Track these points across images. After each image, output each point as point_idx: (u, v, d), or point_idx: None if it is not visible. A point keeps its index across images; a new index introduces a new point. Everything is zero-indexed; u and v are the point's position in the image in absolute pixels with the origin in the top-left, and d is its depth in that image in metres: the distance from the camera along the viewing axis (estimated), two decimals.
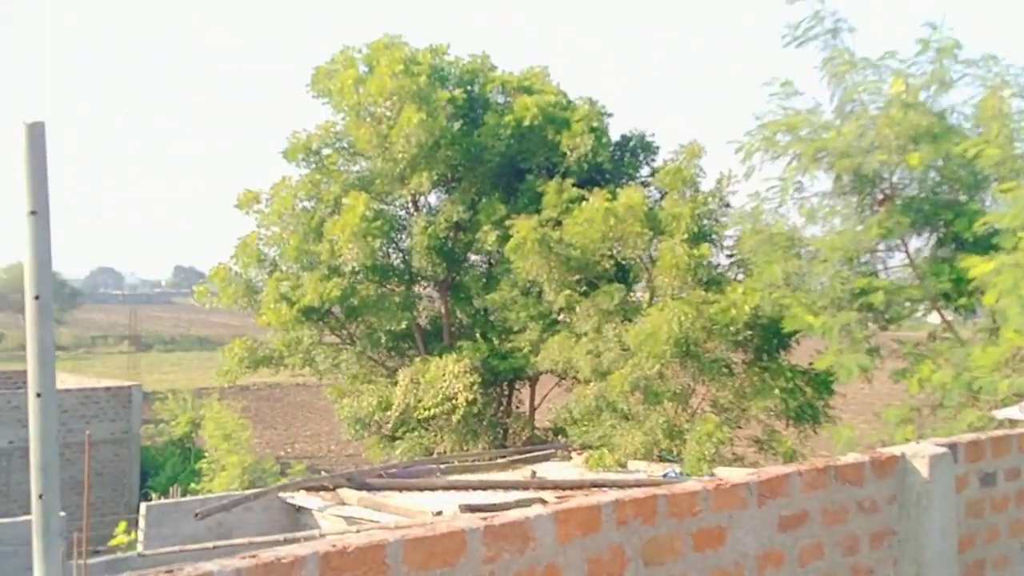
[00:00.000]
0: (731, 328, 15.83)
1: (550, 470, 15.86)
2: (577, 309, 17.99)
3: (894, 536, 5.61)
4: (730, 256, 18.04)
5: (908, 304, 13.43)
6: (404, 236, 23.13)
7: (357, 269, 21.39)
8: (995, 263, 11.08)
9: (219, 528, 12.73)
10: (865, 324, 13.19)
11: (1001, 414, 7.81)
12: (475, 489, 13.80)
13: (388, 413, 20.62)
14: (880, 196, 13.33)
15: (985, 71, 12.68)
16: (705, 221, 17.82)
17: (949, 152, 12.50)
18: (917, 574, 5.59)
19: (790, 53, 13.31)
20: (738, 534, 4.70)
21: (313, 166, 23.00)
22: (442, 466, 15.81)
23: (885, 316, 13.39)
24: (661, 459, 15.77)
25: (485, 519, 3.95)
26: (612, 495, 4.34)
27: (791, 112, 13.54)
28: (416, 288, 23.71)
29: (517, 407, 23.16)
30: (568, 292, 18.18)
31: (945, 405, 12.42)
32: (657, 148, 22.87)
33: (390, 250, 23.20)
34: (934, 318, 13.97)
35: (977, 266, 11.42)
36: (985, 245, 12.02)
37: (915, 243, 13.65)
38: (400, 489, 13.79)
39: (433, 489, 13.93)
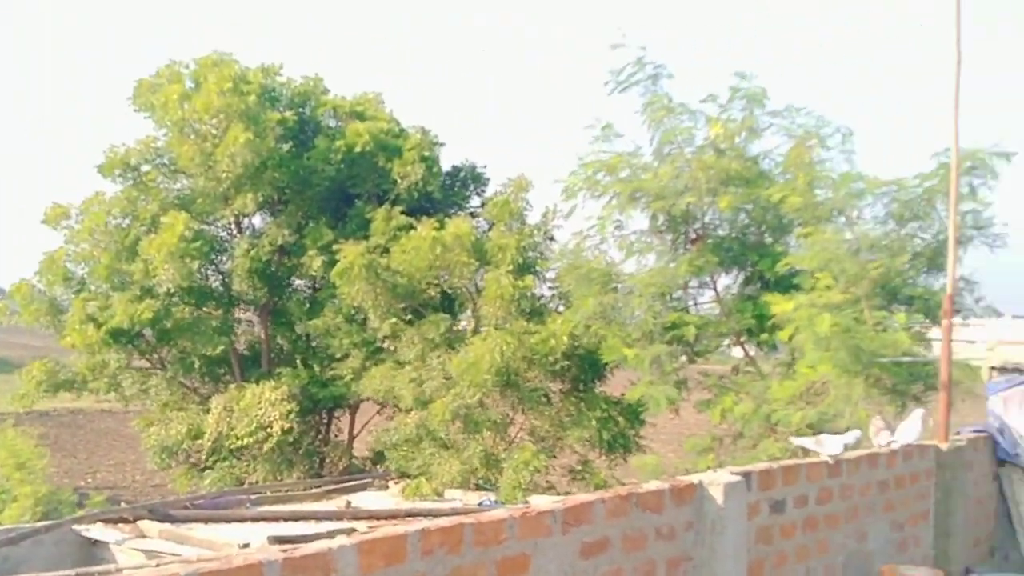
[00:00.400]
0: (550, 358, 16.17)
1: (366, 500, 15.63)
2: (402, 337, 17.91)
3: (690, 562, 5.84)
4: (552, 288, 18.46)
5: (715, 338, 14.12)
6: (225, 258, 22.42)
7: (172, 291, 20.53)
8: (793, 303, 11.83)
9: (4, 564, 11.80)
10: (675, 357, 13.78)
11: (797, 442, 8.29)
12: (287, 520, 13.42)
13: (199, 442, 19.80)
14: (693, 235, 14.00)
15: (788, 121, 13.59)
16: (530, 253, 18.17)
17: (757, 196, 13.29)
18: None
19: (615, 97, 13.85)
20: (541, 561, 4.78)
21: (130, 182, 21.97)
22: (253, 496, 15.30)
23: (694, 349, 14.02)
24: (478, 488, 15.86)
25: (285, 551, 3.85)
26: (418, 525, 4.33)
27: (612, 154, 14.06)
28: (235, 312, 22.98)
29: (336, 436, 22.76)
30: (393, 320, 18.09)
31: (745, 435, 13.12)
32: (487, 180, 23.15)
33: (209, 272, 22.44)
34: (739, 352, 14.72)
35: (778, 304, 12.16)
36: (787, 285, 12.82)
37: (724, 281, 14.42)
38: (206, 521, 13.23)
39: (242, 520, 13.45)
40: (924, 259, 12.39)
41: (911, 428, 8.56)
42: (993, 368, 10.59)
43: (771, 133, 13.79)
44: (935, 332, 10.62)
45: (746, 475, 6.42)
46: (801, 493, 7.03)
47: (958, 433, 10.03)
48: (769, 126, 13.74)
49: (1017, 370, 10.40)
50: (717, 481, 6.05)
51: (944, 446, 9.24)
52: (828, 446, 8.01)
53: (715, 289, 14.30)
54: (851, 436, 8.37)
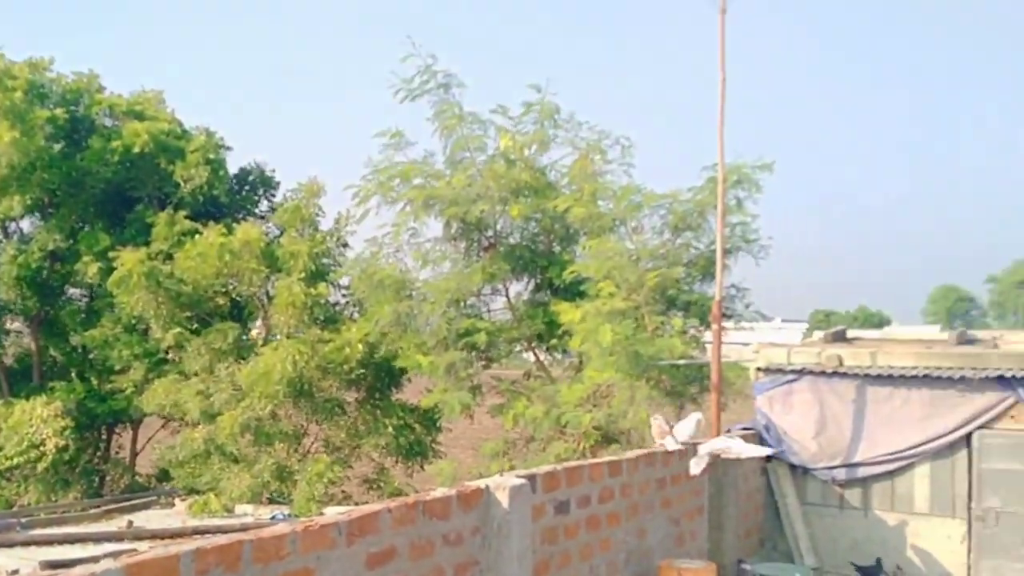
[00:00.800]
0: (345, 367, 15.97)
1: (151, 519, 14.83)
2: (188, 348, 17.15)
3: (477, 566, 5.94)
4: (346, 295, 18.24)
5: (507, 344, 14.43)
6: None
7: None
8: (580, 311, 12.29)
9: None
10: (470, 363, 13.96)
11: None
12: (62, 543, 12.54)
13: None
14: (485, 243, 14.25)
15: (573, 134, 14.09)
16: (323, 260, 17.87)
17: (546, 206, 13.69)
18: None
19: (407, 105, 13.89)
20: (326, 575, 4.71)
21: None
22: (23, 520, 14.19)
23: (487, 355, 14.27)
24: (271, 502, 15.43)
25: None
26: (192, 544, 4.17)
27: (405, 161, 14.10)
28: (2, 322, 21.29)
29: (116, 452, 21.52)
30: (178, 330, 17.30)
31: (536, 438, 13.49)
32: (277, 184, 22.54)
33: None
34: (531, 357, 15.10)
35: (565, 311, 12.60)
36: (574, 292, 13.30)
37: (515, 288, 14.78)
38: None
39: (11, 545, 12.44)
40: (699, 268, 13.17)
41: (686, 428, 9.08)
42: (759, 369, 11.38)
43: (557, 144, 14.26)
44: (710, 336, 11.29)
45: (531, 478, 6.59)
46: (584, 493, 7.30)
47: (728, 431, 10.72)
48: (556, 137, 14.20)
49: (780, 371, 11.23)
50: (503, 485, 6.18)
51: None
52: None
53: (507, 296, 14.61)
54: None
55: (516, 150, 13.99)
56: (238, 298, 18.16)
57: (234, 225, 18.19)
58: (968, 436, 10.17)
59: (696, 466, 8.59)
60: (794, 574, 9.54)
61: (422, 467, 17.47)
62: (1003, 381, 9.94)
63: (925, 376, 10.28)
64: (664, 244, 13.26)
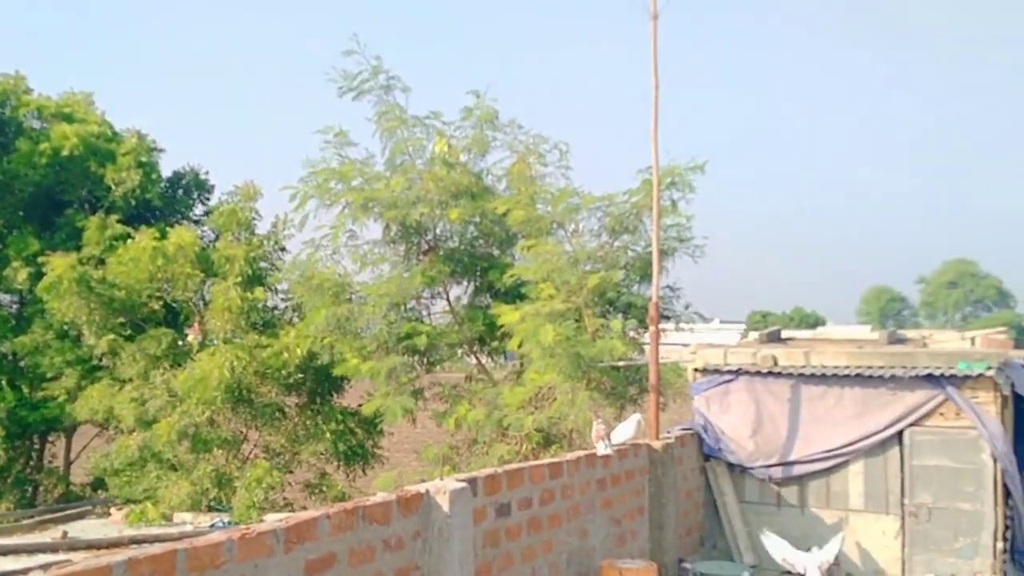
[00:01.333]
0: (284, 372, 15.77)
1: (87, 529, 14.51)
2: (121, 354, 16.78)
3: (418, 571, 5.92)
4: (285, 300, 18.02)
5: (448, 348, 14.38)
6: None
7: None
8: (520, 313, 12.32)
9: None
10: (411, 367, 13.90)
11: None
12: None
13: None
14: (425, 246, 14.20)
15: (512, 137, 14.13)
16: (260, 264, 17.61)
17: (485, 209, 13.70)
18: None
19: (346, 104, 13.76)
20: None
21: None
22: None
23: (428, 359, 14.21)
24: (211, 509, 15.16)
25: None
26: (124, 554, 4.09)
27: (345, 161, 13.98)
28: None
29: (50, 461, 20.99)
30: (111, 336, 16.90)
31: (479, 441, 13.48)
32: (212, 187, 22.22)
33: None
34: (473, 361, 15.08)
35: (506, 314, 12.61)
36: (515, 295, 13.33)
37: (455, 291, 14.73)
38: None
39: None
40: (637, 270, 13.28)
41: (626, 429, 9.17)
42: (697, 370, 11.54)
43: (495, 148, 14.28)
44: (649, 338, 11.40)
45: (472, 481, 6.59)
46: (525, 496, 7.33)
47: (668, 432, 10.84)
48: (494, 141, 14.22)
49: (717, 371, 11.39)
50: (443, 489, 6.17)
51: (656, 444, 9.97)
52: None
53: (448, 299, 14.57)
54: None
55: (453, 154, 13.97)
56: (173, 303, 17.82)
57: (168, 229, 17.85)
58: (900, 433, 10.43)
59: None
60: (733, 572, 9.67)
61: (364, 472, 17.33)
62: (932, 379, 10.22)
63: (857, 375, 10.53)
64: (602, 246, 13.36)
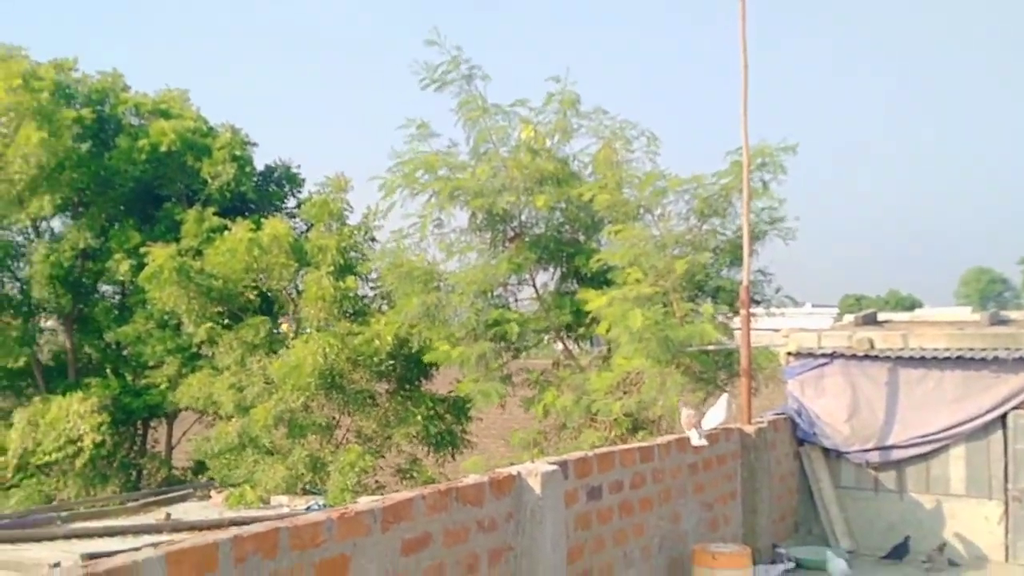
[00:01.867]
0: (375, 359, 16.03)
1: (188, 511, 15.01)
2: (219, 342, 17.30)
3: (511, 551, 5.98)
4: (374, 288, 18.31)
5: (535, 334, 14.43)
6: (22, 264, 20.97)
7: None
8: (607, 297, 12.27)
9: None
10: (499, 353, 13.99)
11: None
12: (101, 536, 12.72)
13: (2, 459, 18.49)
14: (511, 233, 14.24)
15: (597, 123, 14.04)
16: (352, 254, 17.92)
17: (570, 195, 13.67)
18: None
19: (429, 95, 13.89)
20: (361, 561, 4.77)
21: None
22: (63, 513, 14.40)
23: (516, 345, 14.27)
24: (306, 492, 15.55)
25: (85, 567, 3.68)
26: (230, 532, 4.23)
27: (429, 152, 14.12)
28: (37, 321, 21.55)
29: (152, 447, 21.75)
30: (209, 324, 17.43)
31: (568, 427, 13.49)
32: (303, 180, 22.66)
33: (4, 279, 20.94)
34: (560, 347, 15.10)
35: (593, 300, 12.58)
36: (601, 280, 13.28)
37: (542, 277, 14.73)
38: (12, 541, 12.36)
39: (52, 539, 12.63)
40: (727, 253, 13.08)
41: (717, 413, 9.07)
42: (790, 353, 11.34)
43: (580, 135, 14.22)
44: (739, 322, 11.24)
45: (563, 464, 6.62)
46: (616, 479, 7.32)
47: (761, 417, 10.69)
48: (579, 128, 14.16)
49: (811, 355, 11.18)
50: (535, 471, 6.21)
51: (748, 428, 9.84)
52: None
53: (534, 286, 14.60)
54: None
55: (539, 140, 13.97)
56: (268, 292, 18.29)
57: (262, 220, 18.29)
58: (1003, 417, 10.09)
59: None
60: (829, 557, 9.50)
61: (453, 457, 17.53)
62: None
63: (958, 358, 10.20)
64: (690, 230, 13.20)
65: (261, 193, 21.66)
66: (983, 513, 10.23)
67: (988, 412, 10.08)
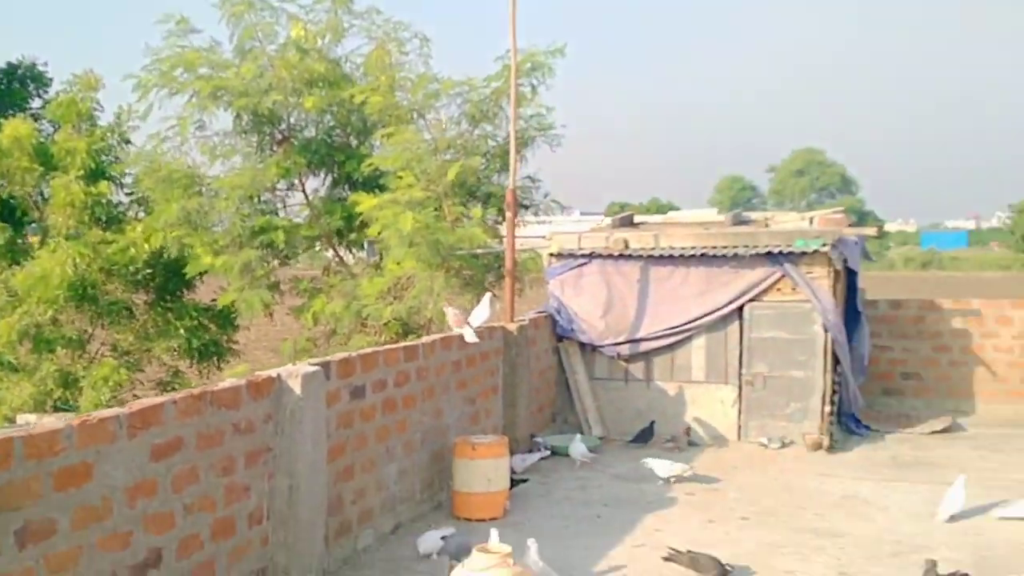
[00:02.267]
0: (131, 268, 15.18)
1: None
2: None
3: (270, 452, 5.96)
4: (130, 194, 17.22)
5: (305, 241, 14.16)
6: None
7: None
8: (378, 200, 12.20)
9: None
10: (266, 261, 13.65)
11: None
12: None
13: None
14: (279, 136, 13.79)
15: (370, 23, 13.70)
16: (104, 157, 16.68)
17: (342, 98, 13.34)
18: (290, 485, 6.01)
19: None
20: (106, 468, 4.61)
21: None
22: None
23: (284, 253, 13.96)
24: (56, 410, 14.66)
25: None
26: None
27: (189, 49, 13.32)
28: None
29: None
30: None
31: (338, 332, 13.45)
32: (51, 80, 21.01)
33: None
34: (331, 254, 14.91)
35: (364, 202, 12.46)
36: (373, 185, 13.16)
37: (312, 183, 14.39)
38: None
39: None
40: (498, 159, 13.28)
41: (480, 312, 9.32)
42: (552, 255, 11.79)
43: (352, 35, 13.85)
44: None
45: (325, 365, 6.62)
46: (380, 378, 7.42)
47: (523, 316, 11.10)
48: (351, 27, 13.78)
49: (571, 255, 11.67)
50: (296, 372, 6.18)
51: (510, 326, 10.21)
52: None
53: (304, 191, 14.27)
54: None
55: (309, 39, 13.48)
56: (10, 199, 16.79)
57: (2, 122, 16.66)
58: (740, 309, 11.01)
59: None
60: (579, 443, 10.12)
61: (220, 368, 17.03)
62: (771, 257, 10.79)
63: (703, 255, 10.99)
64: (462, 135, 13.27)
65: (1, 94, 19.75)
66: (720, 397, 11.21)
67: (727, 305, 10.97)
